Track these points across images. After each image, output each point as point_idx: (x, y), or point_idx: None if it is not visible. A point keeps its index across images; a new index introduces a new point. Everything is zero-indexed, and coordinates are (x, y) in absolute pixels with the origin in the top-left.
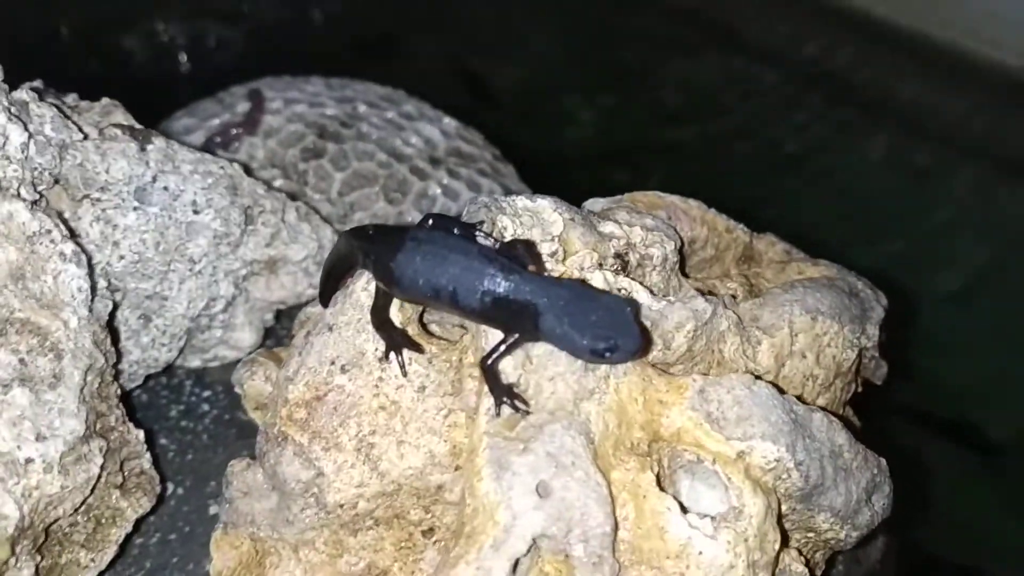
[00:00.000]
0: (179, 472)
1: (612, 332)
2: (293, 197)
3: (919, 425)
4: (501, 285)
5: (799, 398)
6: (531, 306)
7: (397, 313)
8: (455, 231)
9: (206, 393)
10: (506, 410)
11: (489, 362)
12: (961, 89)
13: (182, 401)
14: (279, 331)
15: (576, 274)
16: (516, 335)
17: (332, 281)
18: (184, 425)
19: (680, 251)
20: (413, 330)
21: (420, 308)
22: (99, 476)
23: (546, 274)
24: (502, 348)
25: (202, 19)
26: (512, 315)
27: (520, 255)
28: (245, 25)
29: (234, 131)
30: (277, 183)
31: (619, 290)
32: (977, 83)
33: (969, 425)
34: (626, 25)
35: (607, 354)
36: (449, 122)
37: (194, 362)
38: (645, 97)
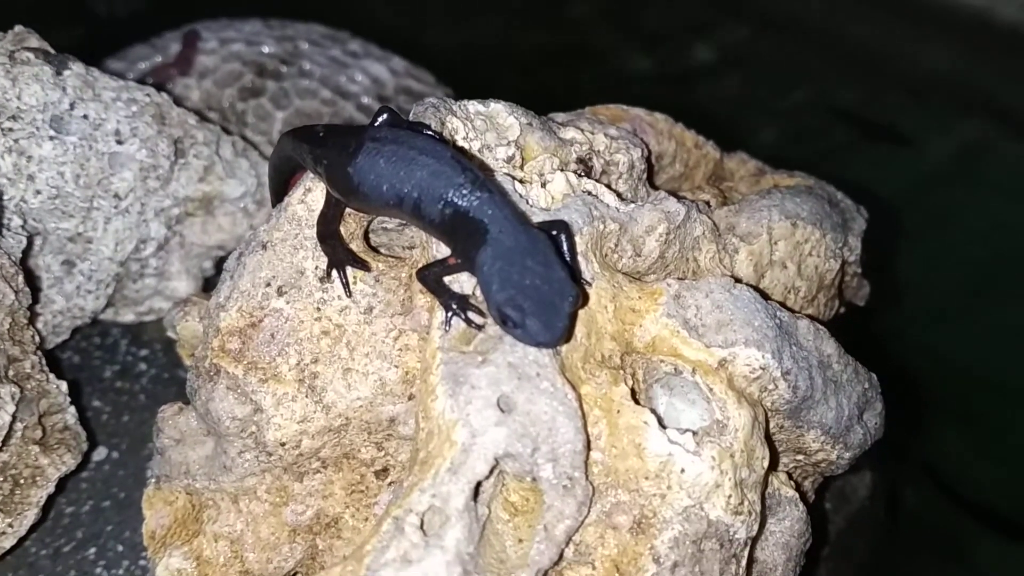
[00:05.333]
0: (114, 435)
1: (532, 308)
2: (228, 133)
3: (902, 354)
4: (464, 198)
5: None
6: (482, 231)
7: (340, 227)
8: (423, 131)
9: (143, 351)
10: (460, 324)
11: (424, 273)
12: (948, 40)
13: (117, 360)
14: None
15: (535, 179)
16: (458, 261)
17: (282, 183)
18: (119, 386)
19: (647, 160)
20: (358, 246)
21: (366, 222)
22: (12, 427)
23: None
24: (439, 267)
25: None
26: (463, 234)
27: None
28: None
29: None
30: None
31: (584, 192)
32: (965, 35)
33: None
34: None
35: (508, 324)
36: (398, 61)
37: (127, 316)
38: (604, 46)
